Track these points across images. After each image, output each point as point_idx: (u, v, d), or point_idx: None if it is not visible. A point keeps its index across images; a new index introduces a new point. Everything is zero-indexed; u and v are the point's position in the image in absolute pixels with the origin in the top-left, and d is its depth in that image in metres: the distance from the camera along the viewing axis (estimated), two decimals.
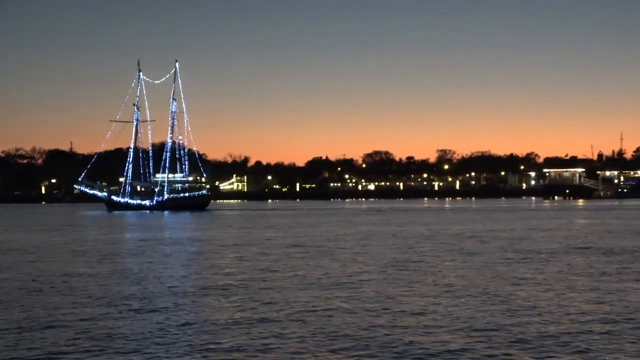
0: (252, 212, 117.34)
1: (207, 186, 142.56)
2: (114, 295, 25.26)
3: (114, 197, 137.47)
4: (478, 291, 25.55)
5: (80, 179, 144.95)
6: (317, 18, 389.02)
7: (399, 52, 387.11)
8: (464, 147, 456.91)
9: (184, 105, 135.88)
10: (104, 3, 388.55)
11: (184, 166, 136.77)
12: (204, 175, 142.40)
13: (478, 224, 71.68)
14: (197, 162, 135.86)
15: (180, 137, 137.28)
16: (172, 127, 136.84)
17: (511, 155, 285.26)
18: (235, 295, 25.18)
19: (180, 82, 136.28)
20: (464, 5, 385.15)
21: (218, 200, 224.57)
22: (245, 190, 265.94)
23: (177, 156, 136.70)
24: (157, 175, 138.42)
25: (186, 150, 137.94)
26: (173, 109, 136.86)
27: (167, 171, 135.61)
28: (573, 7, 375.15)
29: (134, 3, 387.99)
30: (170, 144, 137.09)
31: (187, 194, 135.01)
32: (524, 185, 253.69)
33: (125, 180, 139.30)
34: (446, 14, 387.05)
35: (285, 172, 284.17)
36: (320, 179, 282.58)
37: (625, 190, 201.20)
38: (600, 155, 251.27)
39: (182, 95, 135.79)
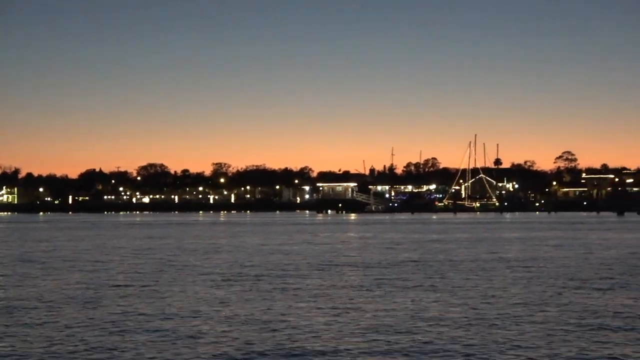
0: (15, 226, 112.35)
1: None
2: None
3: None
4: (200, 306, 24.73)
5: None
6: (76, 29, 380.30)
7: (171, 66, 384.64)
8: (239, 160, 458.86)
9: None
10: None
11: None
12: None
13: (240, 237, 70.95)
14: None
15: None
16: None
17: (286, 169, 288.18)
18: None
19: None
20: (238, 24, 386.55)
21: None
22: (16, 202, 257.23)
23: None
24: None
25: None
26: None
27: None
28: (341, 29, 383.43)
29: None
30: None
31: None
32: (299, 199, 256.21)
33: None
34: (216, 32, 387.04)
35: (57, 184, 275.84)
36: (94, 191, 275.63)
37: (396, 205, 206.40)
38: (372, 170, 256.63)
39: None
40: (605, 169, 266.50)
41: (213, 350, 18.02)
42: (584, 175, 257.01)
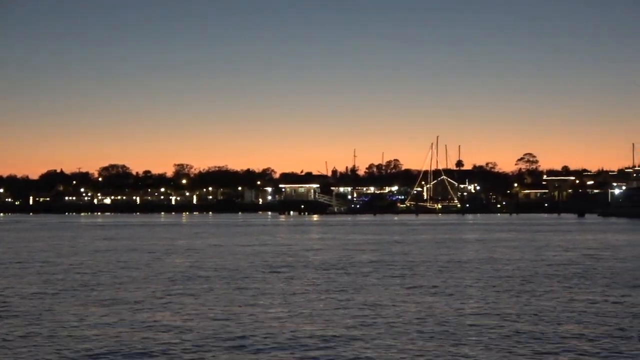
0: None
1: None
2: None
3: None
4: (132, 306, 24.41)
5: None
6: (35, 31, 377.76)
7: (133, 68, 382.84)
8: (201, 161, 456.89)
9: None
10: None
11: None
12: None
13: (200, 239, 70.77)
14: None
15: None
16: None
17: (248, 170, 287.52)
18: None
19: None
20: (191, 28, 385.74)
21: None
22: None
23: None
24: None
25: None
26: None
27: None
28: (300, 32, 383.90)
29: None
30: None
31: None
32: (261, 200, 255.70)
33: None
34: (181, 32, 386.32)
35: (18, 185, 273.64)
36: (55, 192, 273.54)
37: (358, 206, 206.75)
38: (334, 172, 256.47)
39: None
40: (566, 171, 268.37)
41: (167, 352, 17.96)
42: (545, 177, 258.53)
